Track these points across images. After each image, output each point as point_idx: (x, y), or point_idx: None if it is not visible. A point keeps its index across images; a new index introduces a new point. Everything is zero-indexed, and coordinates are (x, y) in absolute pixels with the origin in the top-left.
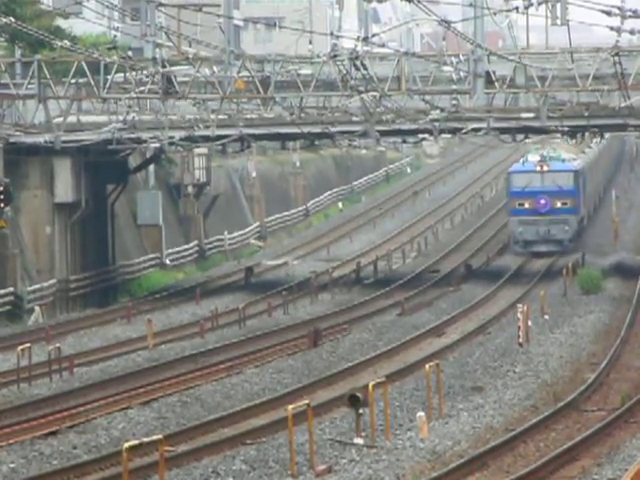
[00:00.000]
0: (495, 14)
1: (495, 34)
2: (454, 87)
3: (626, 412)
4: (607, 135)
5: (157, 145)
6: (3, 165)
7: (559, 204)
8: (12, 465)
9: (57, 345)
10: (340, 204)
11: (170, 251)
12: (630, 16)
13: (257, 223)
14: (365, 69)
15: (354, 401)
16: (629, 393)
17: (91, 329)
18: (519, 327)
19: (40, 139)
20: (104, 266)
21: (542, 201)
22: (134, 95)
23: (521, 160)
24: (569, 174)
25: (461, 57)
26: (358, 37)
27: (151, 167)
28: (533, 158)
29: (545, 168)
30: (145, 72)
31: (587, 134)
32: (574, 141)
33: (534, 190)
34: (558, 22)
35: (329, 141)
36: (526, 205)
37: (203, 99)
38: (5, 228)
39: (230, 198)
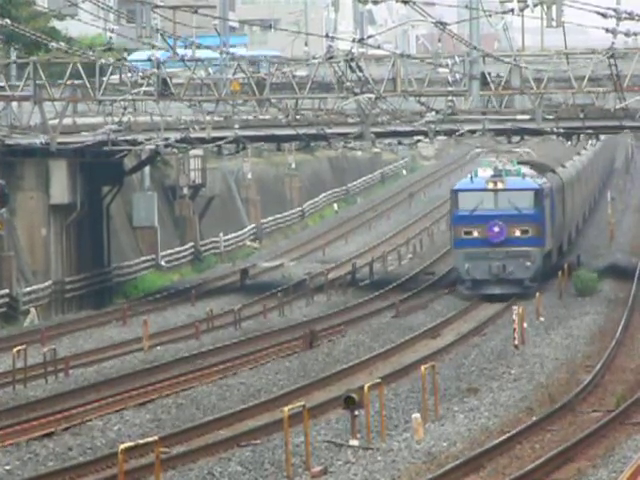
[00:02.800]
0: (490, 16)
1: (490, 36)
2: (450, 89)
3: (621, 414)
4: (593, 150)
5: (152, 147)
6: None
7: (518, 232)
8: (7, 467)
9: (52, 347)
10: (336, 206)
11: (165, 253)
12: (625, 18)
13: (253, 225)
14: (360, 71)
15: (350, 403)
16: (624, 395)
17: (86, 331)
18: (514, 329)
19: (36, 141)
20: (99, 268)
21: (495, 228)
22: (129, 97)
23: (469, 175)
24: (531, 194)
25: (457, 59)
26: (353, 39)
27: (146, 169)
28: (484, 173)
29: (500, 185)
30: (140, 74)
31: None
32: (569, 143)
33: (485, 214)
34: (553, 24)
35: (324, 143)
36: (475, 233)
37: (198, 101)
38: (1, 230)
39: (226, 200)
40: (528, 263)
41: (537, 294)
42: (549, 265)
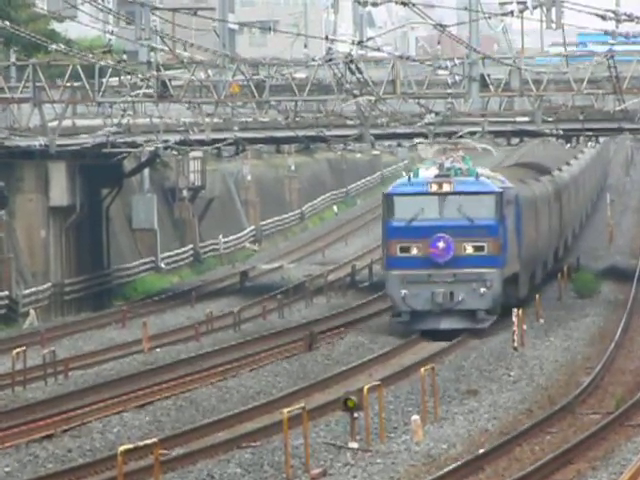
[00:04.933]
0: (490, 18)
1: (490, 38)
2: (449, 91)
3: (621, 416)
4: (583, 160)
5: (152, 149)
6: None
7: (470, 249)
8: (7, 469)
9: (52, 348)
10: (335, 207)
11: (165, 255)
12: (625, 20)
13: (252, 227)
14: (360, 73)
15: (349, 405)
16: (624, 397)
17: (86, 333)
18: (514, 331)
19: (35, 143)
20: (99, 270)
21: (440, 244)
22: (129, 99)
23: (407, 175)
24: (488, 199)
25: (456, 61)
26: (353, 41)
27: (146, 171)
28: (427, 172)
29: (446, 188)
30: (140, 76)
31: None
32: (568, 145)
33: (427, 225)
34: (553, 26)
35: (324, 145)
36: (413, 251)
37: (198, 103)
38: (0, 232)
39: (225, 202)
40: (483, 289)
41: (537, 296)
42: (515, 296)
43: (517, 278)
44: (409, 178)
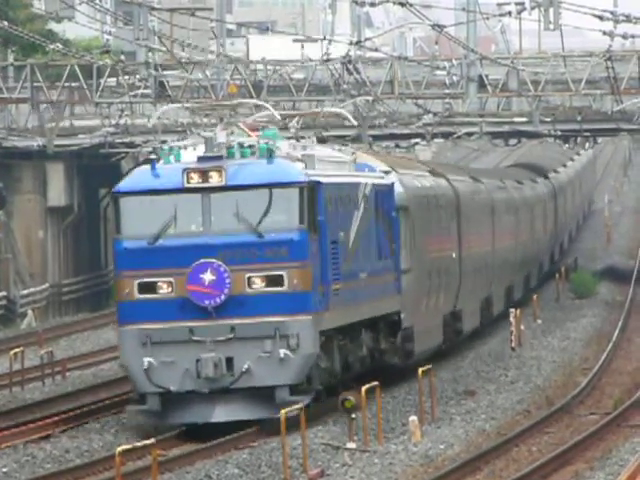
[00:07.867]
0: (488, 18)
1: (488, 38)
2: (447, 91)
3: (618, 416)
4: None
5: (150, 149)
6: None
7: (259, 283)
8: (4, 469)
9: (50, 349)
10: None
11: None
12: (622, 20)
13: None
14: (358, 73)
15: (347, 405)
16: (621, 397)
17: (84, 333)
18: (512, 331)
19: (33, 143)
20: (97, 270)
21: (207, 276)
22: (127, 99)
23: (152, 157)
24: (289, 195)
25: (454, 61)
26: (351, 41)
27: None
28: (190, 154)
29: (216, 180)
30: (138, 76)
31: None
32: (567, 146)
33: (183, 245)
34: (551, 27)
35: None
36: (162, 289)
37: (195, 103)
38: None
39: None
40: (284, 351)
41: (534, 297)
42: (399, 355)
43: (399, 323)
44: (153, 163)
